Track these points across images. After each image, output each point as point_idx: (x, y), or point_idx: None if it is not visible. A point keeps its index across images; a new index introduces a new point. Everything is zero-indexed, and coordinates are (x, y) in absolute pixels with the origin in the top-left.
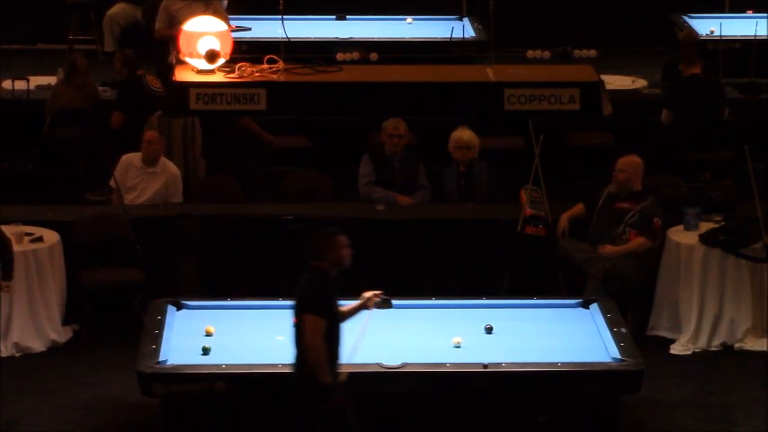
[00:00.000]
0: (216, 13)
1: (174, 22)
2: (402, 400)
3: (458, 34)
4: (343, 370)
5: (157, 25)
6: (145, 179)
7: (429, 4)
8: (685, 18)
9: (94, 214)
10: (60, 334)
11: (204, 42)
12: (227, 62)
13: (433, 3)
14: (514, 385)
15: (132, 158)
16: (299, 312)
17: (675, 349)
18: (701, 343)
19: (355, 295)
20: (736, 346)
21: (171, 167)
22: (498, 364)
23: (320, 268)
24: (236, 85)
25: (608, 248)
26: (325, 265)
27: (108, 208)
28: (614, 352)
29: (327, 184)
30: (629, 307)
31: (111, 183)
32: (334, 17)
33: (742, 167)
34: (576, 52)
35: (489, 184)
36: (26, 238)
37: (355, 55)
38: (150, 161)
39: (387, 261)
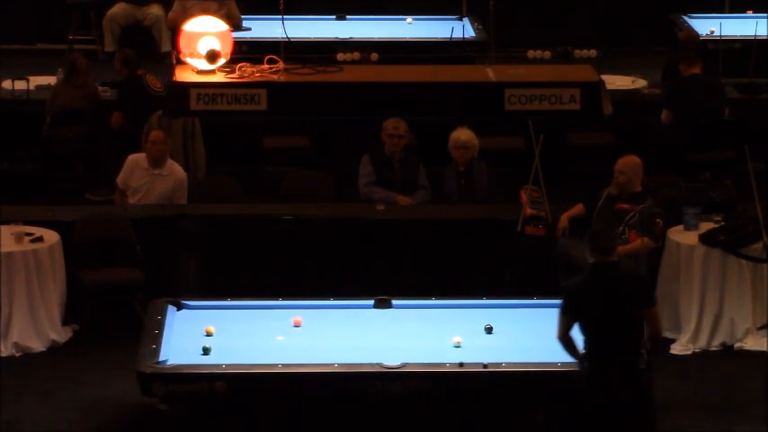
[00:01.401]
0: (229, 12)
1: (186, 16)
2: (402, 400)
3: (458, 34)
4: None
5: (170, 15)
6: (150, 180)
7: (429, 4)
8: (685, 18)
9: (94, 214)
10: (60, 334)
11: (205, 42)
12: (227, 62)
13: (433, 3)
14: (514, 385)
15: (139, 159)
16: (642, 307)
17: (675, 349)
18: (701, 343)
19: (354, 295)
20: (736, 346)
21: (178, 171)
22: (498, 364)
23: (618, 263)
24: (237, 85)
25: None
26: (616, 259)
27: (108, 208)
28: None
29: (327, 184)
30: None
31: (117, 181)
32: (334, 17)
33: (742, 167)
34: (577, 52)
35: (489, 184)
36: (26, 238)
37: (356, 55)
38: (155, 162)
39: (387, 261)
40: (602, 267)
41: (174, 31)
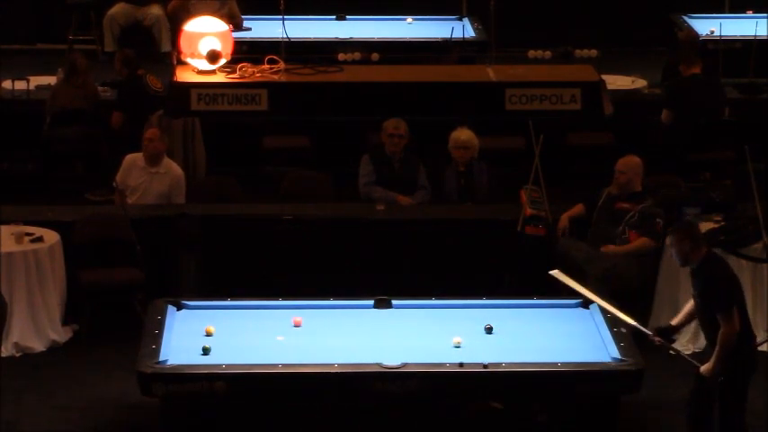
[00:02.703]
0: (230, 12)
1: (187, 11)
2: (402, 400)
3: (458, 34)
4: None
5: (171, 3)
6: (148, 179)
7: (429, 4)
8: (685, 18)
9: (94, 214)
10: (60, 334)
11: (205, 43)
12: (228, 62)
13: (433, 3)
14: (514, 385)
15: (136, 158)
16: None
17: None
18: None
19: (354, 295)
20: None
21: (175, 169)
22: (498, 364)
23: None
24: (238, 85)
25: (611, 248)
26: None
27: (108, 208)
28: (614, 352)
29: (327, 184)
30: (629, 307)
31: (116, 180)
32: (334, 17)
33: (742, 167)
34: (577, 52)
35: (489, 184)
36: (26, 238)
37: (357, 55)
38: (152, 159)
39: (387, 261)
40: (714, 254)
41: (173, 20)
